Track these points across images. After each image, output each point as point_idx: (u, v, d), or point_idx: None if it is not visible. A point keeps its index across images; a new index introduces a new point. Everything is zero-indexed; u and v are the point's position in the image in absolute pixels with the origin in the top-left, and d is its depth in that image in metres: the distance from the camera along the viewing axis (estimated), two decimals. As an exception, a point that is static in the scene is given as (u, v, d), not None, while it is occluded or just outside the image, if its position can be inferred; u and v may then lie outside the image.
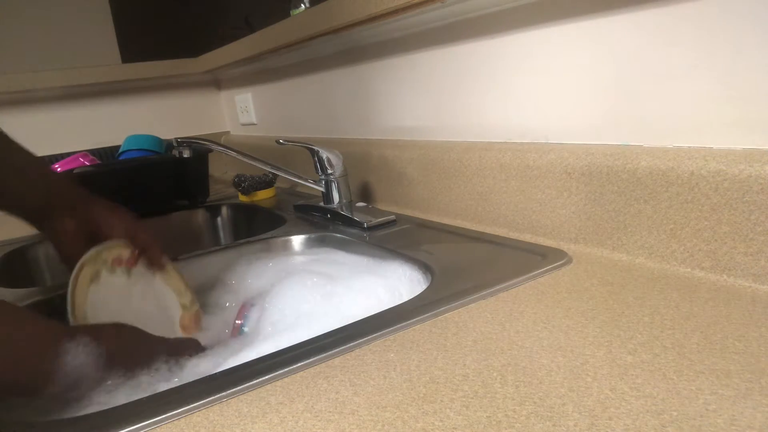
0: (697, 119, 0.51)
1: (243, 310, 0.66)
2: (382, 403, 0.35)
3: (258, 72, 1.37)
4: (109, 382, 0.44)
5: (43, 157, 0.61)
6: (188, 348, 0.54)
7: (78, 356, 0.42)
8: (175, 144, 0.91)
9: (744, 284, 0.46)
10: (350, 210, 0.84)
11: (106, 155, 1.28)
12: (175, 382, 0.48)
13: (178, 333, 0.64)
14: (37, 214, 0.61)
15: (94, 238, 0.61)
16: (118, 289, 0.62)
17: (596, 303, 0.46)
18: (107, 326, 0.50)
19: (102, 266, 0.62)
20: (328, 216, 0.86)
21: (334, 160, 0.85)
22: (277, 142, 0.87)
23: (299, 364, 0.41)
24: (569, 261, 0.56)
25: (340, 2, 0.82)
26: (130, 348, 0.48)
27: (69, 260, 0.59)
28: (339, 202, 0.86)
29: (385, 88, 0.92)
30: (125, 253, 0.63)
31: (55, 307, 0.66)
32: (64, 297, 0.58)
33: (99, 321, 0.56)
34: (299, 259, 0.80)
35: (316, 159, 0.85)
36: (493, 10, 0.68)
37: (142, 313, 0.61)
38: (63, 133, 1.43)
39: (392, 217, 0.80)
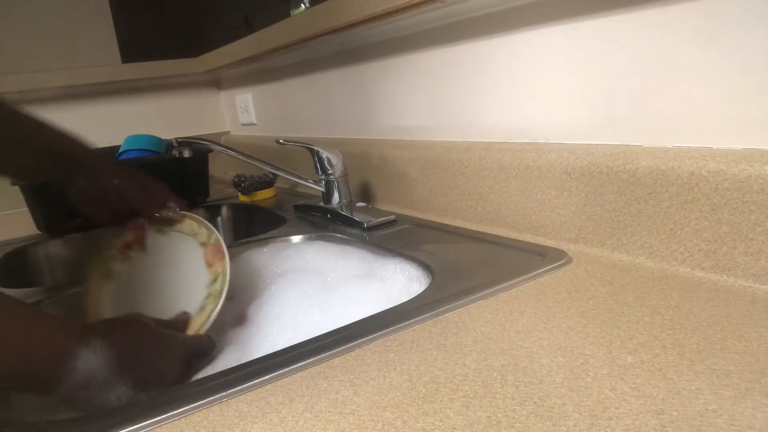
0: (697, 119, 0.51)
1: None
2: (382, 403, 0.35)
3: (258, 72, 1.37)
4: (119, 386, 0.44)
5: (49, 125, 0.64)
6: (202, 349, 0.53)
7: (89, 359, 0.42)
8: (175, 144, 0.91)
9: (744, 284, 0.46)
10: (350, 210, 0.84)
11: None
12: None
13: (205, 277, 0.61)
14: (47, 177, 0.66)
15: (108, 195, 0.64)
16: (138, 272, 0.62)
17: (596, 303, 0.46)
18: (119, 325, 0.50)
19: (110, 262, 0.62)
20: (328, 216, 0.86)
21: (334, 160, 0.85)
22: (277, 142, 0.87)
23: (299, 364, 0.41)
24: (569, 261, 0.56)
25: (340, 2, 0.82)
26: (141, 351, 0.47)
27: (87, 218, 0.65)
28: (339, 202, 0.86)
29: (385, 88, 0.92)
30: (129, 234, 0.63)
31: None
32: (67, 297, 0.58)
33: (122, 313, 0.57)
34: (299, 258, 0.80)
35: (316, 159, 0.85)
36: (493, 10, 0.68)
37: (169, 282, 0.61)
38: (63, 133, 1.43)
39: (392, 217, 0.80)
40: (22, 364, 0.40)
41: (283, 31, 1.03)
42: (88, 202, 0.64)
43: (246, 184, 1.13)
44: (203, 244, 0.63)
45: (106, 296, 0.61)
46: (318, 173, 0.86)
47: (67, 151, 0.65)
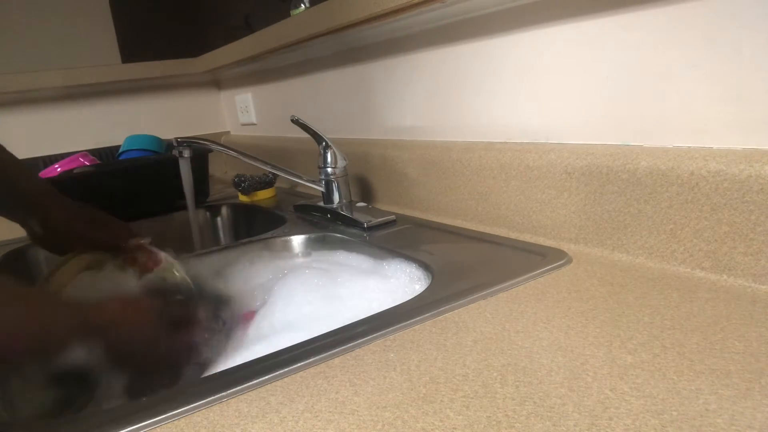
0: (697, 119, 0.51)
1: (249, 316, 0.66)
2: (382, 403, 0.35)
3: (258, 72, 1.37)
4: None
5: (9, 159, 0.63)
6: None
7: (85, 342, 0.45)
8: (175, 144, 0.91)
9: (744, 284, 0.46)
10: (350, 210, 0.84)
11: (106, 155, 1.28)
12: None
13: None
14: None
15: (62, 236, 0.64)
16: (118, 283, 0.62)
17: (596, 303, 0.46)
18: (120, 307, 0.52)
19: (110, 260, 0.62)
20: (328, 216, 0.86)
21: (339, 158, 0.85)
22: (292, 118, 0.86)
23: (299, 364, 0.41)
24: (569, 261, 0.56)
25: (340, 2, 0.82)
26: (133, 337, 0.51)
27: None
28: (339, 202, 0.86)
29: (385, 88, 0.92)
30: (142, 257, 0.64)
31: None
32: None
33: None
34: (299, 259, 0.80)
35: (326, 152, 0.85)
36: (493, 10, 0.68)
37: None
38: (63, 133, 1.43)
39: (392, 217, 0.80)
40: (28, 342, 0.43)
41: (283, 31, 1.03)
42: (42, 244, 0.65)
43: (246, 184, 1.13)
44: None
45: (82, 277, 0.62)
46: (321, 166, 0.86)
47: (24, 190, 0.63)
